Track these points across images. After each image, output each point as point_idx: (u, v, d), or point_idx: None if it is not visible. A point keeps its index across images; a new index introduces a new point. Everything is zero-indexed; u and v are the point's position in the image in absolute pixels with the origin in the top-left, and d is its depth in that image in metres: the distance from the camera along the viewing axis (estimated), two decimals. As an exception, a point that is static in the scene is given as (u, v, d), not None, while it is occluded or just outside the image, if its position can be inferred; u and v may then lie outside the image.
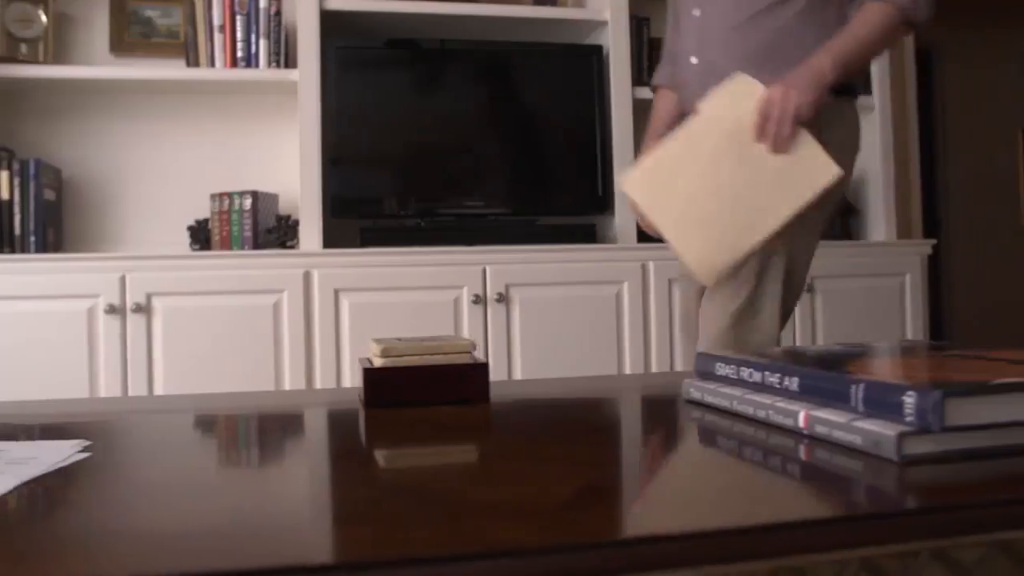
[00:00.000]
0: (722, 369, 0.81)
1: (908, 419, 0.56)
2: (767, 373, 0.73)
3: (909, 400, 0.57)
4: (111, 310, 2.15)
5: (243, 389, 2.14)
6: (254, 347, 2.21)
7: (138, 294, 2.17)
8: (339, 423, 0.80)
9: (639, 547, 0.39)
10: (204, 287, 2.20)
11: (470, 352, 0.86)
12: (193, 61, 2.42)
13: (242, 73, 2.41)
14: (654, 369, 2.42)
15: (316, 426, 0.81)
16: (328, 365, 2.23)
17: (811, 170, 1.29)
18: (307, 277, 2.22)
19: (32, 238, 2.29)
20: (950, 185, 4.45)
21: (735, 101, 1.31)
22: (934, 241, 2.72)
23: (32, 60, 2.38)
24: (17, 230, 2.28)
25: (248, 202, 2.38)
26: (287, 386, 2.22)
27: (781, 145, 1.30)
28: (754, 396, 0.72)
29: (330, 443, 0.72)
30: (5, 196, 2.27)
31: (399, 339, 0.89)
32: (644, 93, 2.61)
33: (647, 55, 2.66)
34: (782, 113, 1.29)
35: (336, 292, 2.24)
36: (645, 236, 2.59)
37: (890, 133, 2.81)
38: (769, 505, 0.48)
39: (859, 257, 2.64)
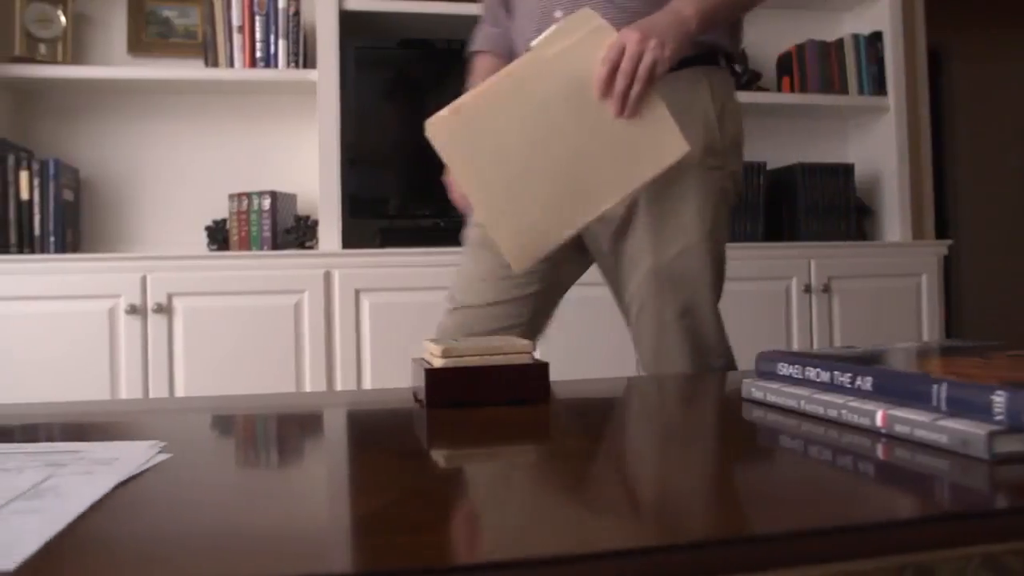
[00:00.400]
0: (785, 369, 0.81)
1: (997, 418, 0.57)
2: (837, 373, 0.73)
3: (999, 400, 0.57)
4: (132, 310, 2.15)
5: (264, 390, 2.14)
6: (275, 347, 2.21)
7: (159, 294, 2.17)
8: (407, 423, 0.80)
9: (772, 544, 0.39)
10: (225, 287, 2.20)
11: (529, 352, 0.86)
12: (212, 61, 2.42)
13: (261, 73, 2.41)
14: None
15: (389, 427, 0.81)
16: (349, 365, 2.23)
17: (657, 143, 1.05)
18: (328, 277, 2.22)
19: (52, 238, 2.28)
20: (958, 185, 4.46)
21: (578, 44, 1.04)
22: (950, 242, 2.72)
23: (51, 60, 2.38)
24: (37, 230, 2.27)
25: (267, 202, 2.38)
26: (308, 387, 2.22)
27: (629, 107, 1.03)
28: (824, 396, 0.72)
29: (406, 444, 0.72)
30: (25, 196, 2.27)
31: (455, 340, 0.89)
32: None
33: (664, 56, 2.66)
34: (634, 66, 1.03)
35: (357, 292, 2.24)
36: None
37: (905, 133, 2.81)
38: (876, 502, 0.48)
39: (875, 257, 2.65)
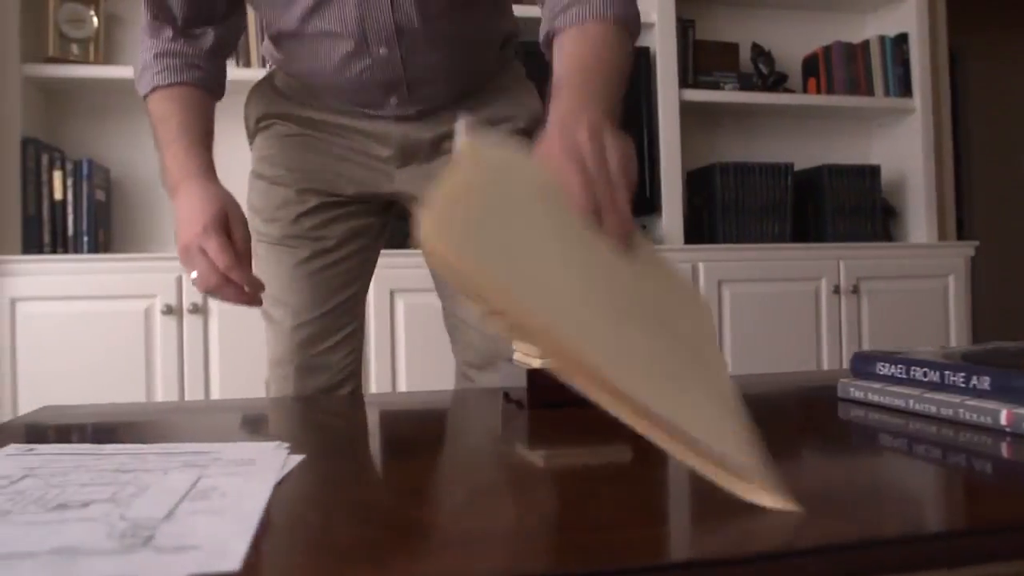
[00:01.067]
0: (885, 369, 0.81)
1: None
2: (949, 372, 0.73)
3: None
4: (168, 311, 2.15)
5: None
6: (310, 348, 2.21)
7: (195, 294, 2.17)
8: (520, 423, 0.80)
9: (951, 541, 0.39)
10: (260, 288, 2.20)
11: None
12: (243, 62, 2.42)
13: (292, 74, 2.40)
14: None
15: (511, 427, 0.81)
16: (383, 366, 2.23)
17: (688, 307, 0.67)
18: (362, 278, 2.22)
19: (85, 238, 2.28)
20: (974, 186, 4.47)
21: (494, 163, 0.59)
22: (977, 243, 2.73)
23: (83, 60, 2.38)
24: (70, 230, 2.27)
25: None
26: (343, 387, 2.21)
27: (623, 227, 0.66)
28: (936, 395, 0.73)
29: (542, 442, 0.72)
30: (59, 196, 2.26)
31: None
32: (690, 95, 2.62)
33: (692, 57, 2.67)
34: (603, 166, 0.67)
35: (391, 293, 2.24)
36: (694, 236, 2.62)
37: (931, 135, 2.82)
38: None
39: (903, 259, 2.66)
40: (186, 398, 2.16)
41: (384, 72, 1.07)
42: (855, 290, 2.57)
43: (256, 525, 0.44)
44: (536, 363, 0.83)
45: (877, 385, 0.80)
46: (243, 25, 1.18)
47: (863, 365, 0.84)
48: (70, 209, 2.27)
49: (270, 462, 0.60)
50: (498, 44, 1.19)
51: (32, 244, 2.24)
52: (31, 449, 0.68)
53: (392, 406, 1.02)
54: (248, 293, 0.95)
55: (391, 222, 1.30)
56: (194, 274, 0.95)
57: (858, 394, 0.83)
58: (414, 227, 1.18)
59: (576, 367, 0.46)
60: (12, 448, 0.68)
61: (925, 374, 0.76)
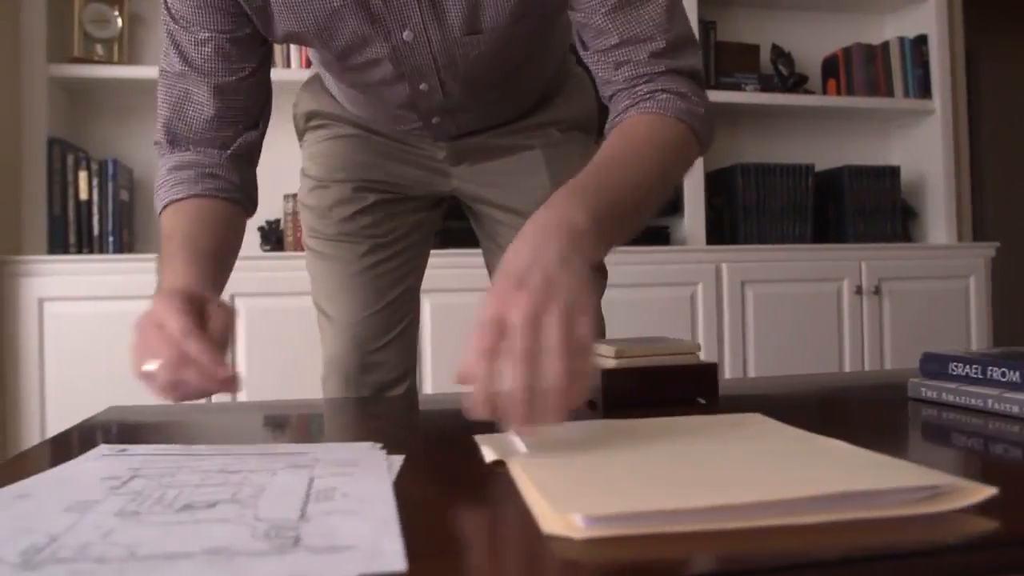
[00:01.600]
0: (959, 369, 0.81)
1: None
2: (1030, 373, 0.74)
3: None
4: (195, 311, 2.14)
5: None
6: (336, 348, 2.21)
7: (223, 294, 2.16)
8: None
9: None
10: (287, 288, 2.20)
11: (695, 353, 0.86)
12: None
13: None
14: (727, 373, 2.43)
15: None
16: (409, 366, 2.23)
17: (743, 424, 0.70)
18: (387, 278, 2.22)
19: (110, 238, 2.28)
20: (987, 187, 4.48)
21: None
22: (997, 244, 2.74)
23: (107, 61, 2.38)
24: (96, 230, 2.27)
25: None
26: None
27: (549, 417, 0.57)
28: (1017, 395, 0.73)
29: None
30: (84, 196, 2.26)
31: (622, 341, 0.89)
32: (712, 96, 2.61)
33: (714, 59, 2.67)
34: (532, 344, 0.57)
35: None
36: (715, 237, 2.62)
37: (950, 136, 2.83)
38: None
39: (924, 259, 2.66)
40: (213, 398, 2.16)
41: (429, 105, 1.07)
42: (877, 291, 2.57)
43: (398, 526, 0.44)
44: (611, 363, 0.84)
45: (951, 385, 0.81)
46: (265, 126, 1.03)
47: (933, 365, 0.85)
48: (95, 209, 2.27)
49: (373, 462, 0.60)
50: (551, 69, 1.17)
51: (58, 244, 2.23)
52: (123, 450, 0.68)
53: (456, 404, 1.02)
54: (219, 377, 0.69)
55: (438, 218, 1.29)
56: (149, 365, 0.72)
57: (930, 394, 0.83)
58: (474, 226, 1.15)
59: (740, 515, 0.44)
60: (105, 448, 0.68)
61: (1004, 374, 0.76)
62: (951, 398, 0.80)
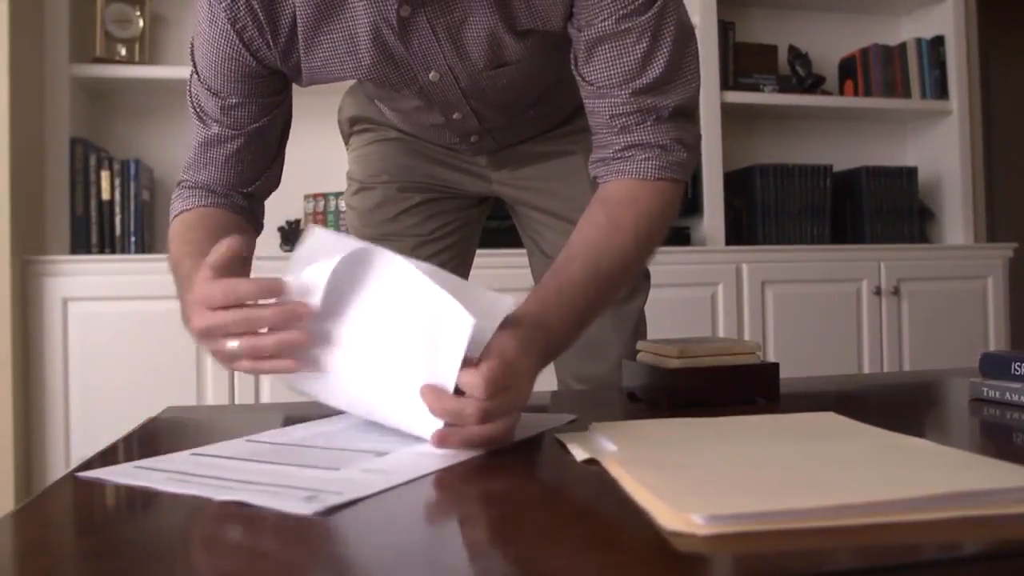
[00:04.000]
0: (1022, 368, 0.82)
1: None
2: (1101, 373, 0.74)
3: None
4: (218, 311, 2.14)
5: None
6: (359, 348, 2.21)
7: (245, 295, 2.16)
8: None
9: None
10: (310, 288, 2.20)
11: (755, 352, 0.87)
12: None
13: (337, 74, 2.41)
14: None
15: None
16: (432, 366, 2.23)
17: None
18: (410, 278, 2.22)
19: (132, 238, 2.28)
20: (998, 188, 4.49)
21: None
22: (1015, 244, 2.74)
23: (129, 61, 2.38)
24: (118, 230, 2.27)
25: (344, 203, 2.38)
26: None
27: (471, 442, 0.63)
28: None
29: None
30: (106, 196, 2.26)
31: (680, 340, 0.89)
32: (731, 97, 2.63)
33: (733, 59, 2.67)
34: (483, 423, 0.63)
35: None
36: (733, 238, 2.62)
37: (967, 137, 2.84)
38: None
39: (943, 260, 2.66)
40: (236, 399, 2.16)
41: (465, 128, 1.07)
42: (896, 291, 2.58)
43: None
44: (674, 363, 0.84)
45: (1016, 385, 0.81)
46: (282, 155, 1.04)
47: (994, 365, 0.85)
48: (117, 209, 2.27)
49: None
50: None
51: (80, 244, 2.23)
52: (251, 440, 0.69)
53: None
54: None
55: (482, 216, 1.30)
56: (233, 343, 0.68)
57: (992, 394, 0.83)
58: (517, 226, 1.15)
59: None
60: (241, 441, 0.69)
61: (1071, 374, 0.77)
62: (1016, 398, 0.81)
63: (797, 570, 0.39)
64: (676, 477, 0.52)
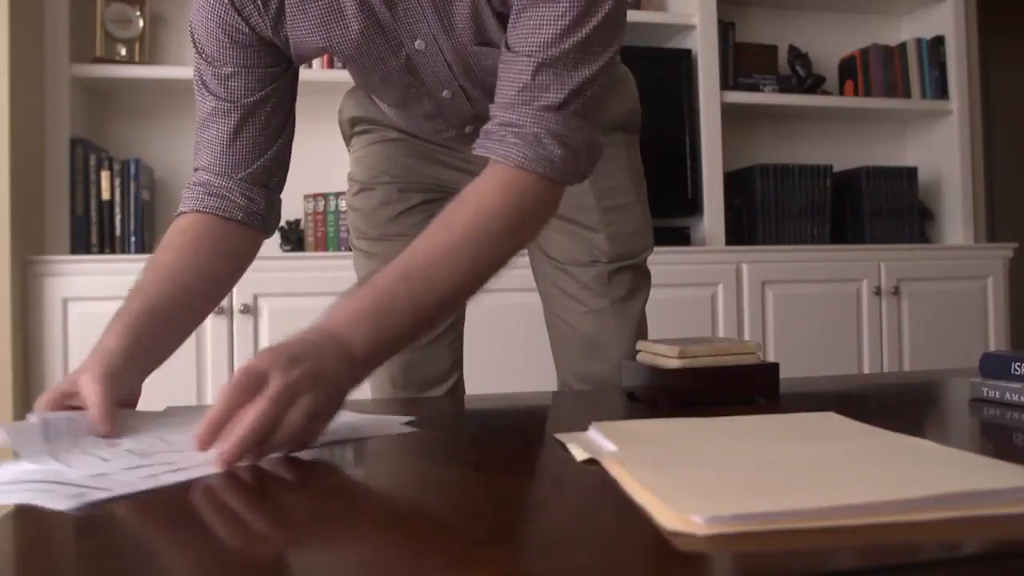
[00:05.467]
0: (1022, 369, 0.82)
1: None
2: (1101, 373, 0.74)
3: None
4: (218, 311, 2.15)
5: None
6: (359, 348, 2.21)
7: (245, 294, 2.17)
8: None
9: None
10: (310, 288, 2.20)
11: (755, 352, 0.87)
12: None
13: (336, 74, 2.41)
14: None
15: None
16: (432, 366, 2.23)
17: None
18: (410, 278, 2.22)
19: (132, 239, 2.28)
20: (998, 189, 4.49)
21: None
22: (1015, 244, 2.74)
23: (129, 61, 2.38)
24: (118, 230, 2.27)
25: (344, 203, 2.38)
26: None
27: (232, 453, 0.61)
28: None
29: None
30: (106, 196, 2.26)
31: (680, 340, 0.89)
32: (731, 97, 2.63)
33: (733, 59, 2.67)
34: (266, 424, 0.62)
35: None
36: (733, 238, 2.63)
37: (967, 137, 2.84)
38: None
39: (943, 260, 2.67)
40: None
41: (458, 115, 1.06)
42: (896, 292, 2.58)
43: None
44: (674, 363, 0.84)
45: (1016, 385, 0.81)
46: (287, 145, 1.02)
47: (994, 365, 0.85)
48: (117, 209, 2.27)
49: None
50: None
51: (80, 244, 2.23)
52: None
53: (530, 401, 1.02)
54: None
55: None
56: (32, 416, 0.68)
57: (993, 394, 0.83)
58: None
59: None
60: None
61: (1072, 374, 0.77)
62: (1016, 398, 0.81)
63: (797, 570, 0.39)
64: (676, 477, 0.52)
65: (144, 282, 0.91)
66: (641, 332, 1.18)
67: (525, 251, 1.29)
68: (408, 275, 0.77)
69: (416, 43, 0.92)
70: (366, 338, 0.71)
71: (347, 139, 1.27)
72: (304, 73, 2.38)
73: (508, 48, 0.85)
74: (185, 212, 0.96)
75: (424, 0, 0.87)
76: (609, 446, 0.60)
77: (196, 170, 0.98)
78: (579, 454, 0.60)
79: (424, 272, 0.78)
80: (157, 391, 2.15)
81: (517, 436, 0.79)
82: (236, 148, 0.95)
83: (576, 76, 0.83)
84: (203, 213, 0.95)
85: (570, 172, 0.86)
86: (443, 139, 1.15)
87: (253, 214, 0.98)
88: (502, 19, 0.88)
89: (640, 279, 1.18)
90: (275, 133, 0.98)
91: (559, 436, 0.66)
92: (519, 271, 1.37)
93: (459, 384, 1.23)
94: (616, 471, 0.54)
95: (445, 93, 1.01)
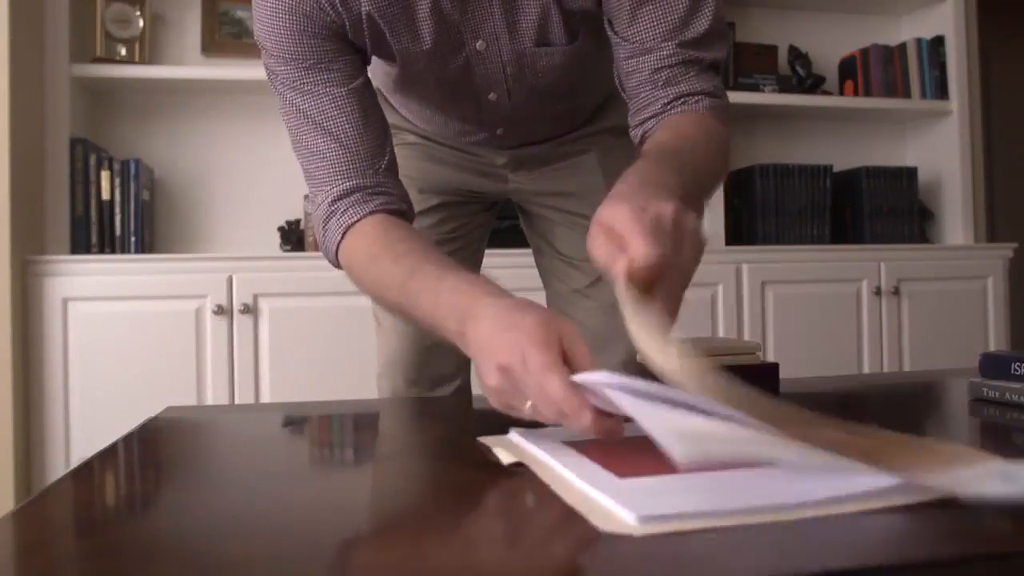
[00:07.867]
0: (1022, 369, 0.82)
1: None
2: (1101, 373, 0.74)
3: None
4: (219, 311, 2.15)
5: (351, 391, 2.14)
6: (360, 349, 2.20)
7: (245, 295, 2.17)
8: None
9: None
10: (311, 288, 2.20)
11: (755, 352, 0.87)
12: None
13: (337, 74, 2.41)
14: (748, 371, 2.43)
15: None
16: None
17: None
18: (410, 278, 2.22)
19: (132, 238, 2.28)
20: (998, 189, 4.49)
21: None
22: (1015, 245, 2.74)
23: (129, 61, 2.38)
24: (118, 230, 2.27)
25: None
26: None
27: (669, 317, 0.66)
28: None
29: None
30: (106, 196, 2.26)
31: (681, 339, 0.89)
32: (731, 97, 2.60)
33: (733, 59, 2.67)
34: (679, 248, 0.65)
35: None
36: (733, 238, 2.63)
37: (967, 137, 2.84)
38: None
39: (943, 260, 2.67)
40: (236, 399, 2.16)
41: (495, 117, 1.08)
42: (896, 292, 2.58)
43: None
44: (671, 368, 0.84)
45: (1016, 385, 0.81)
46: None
47: (994, 365, 0.85)
48: (117, 209, 2.27)
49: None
50: (611, 80, 1.19)
51: (80, 244, 2.23)
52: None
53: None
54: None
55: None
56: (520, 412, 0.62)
57: (992, 394, 0.83)
58: (524, 226, 1.16)
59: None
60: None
61: (1072, 374, 0.77)
62: (1016, 398, 0.81)
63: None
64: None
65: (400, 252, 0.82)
66: None
67: (531, 250, 1.31)
68: (674, 149, 0.82)
69: (478, 44, 0.94)
70: (675, 182, 0.73)
71: None
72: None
73: (636, 42, 0.87)
74: (353, 222, 0.86)
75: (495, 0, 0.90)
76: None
77: (319, 196, 0.88)
78: (506, 458, 0.60)
79: (692, 152, 0.83)
80: (157, 392, 2.17)
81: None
82: (368, 135, 0.89)
83: (715, 41, 0.90)
84: (377, 213, 0.87)
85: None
86: (468, 142, 1.17)
87: (409, 205, 0.93)
88: (570, 17, 0.91)
89: None
90: (380, 121, 0.93)
91: (486, 439, 0.66)
92: (524, 270, 1.37)
93: (466, 384, 1.24)
94: (544, 474, 0.54)
95: (491, 96, 1.03)
